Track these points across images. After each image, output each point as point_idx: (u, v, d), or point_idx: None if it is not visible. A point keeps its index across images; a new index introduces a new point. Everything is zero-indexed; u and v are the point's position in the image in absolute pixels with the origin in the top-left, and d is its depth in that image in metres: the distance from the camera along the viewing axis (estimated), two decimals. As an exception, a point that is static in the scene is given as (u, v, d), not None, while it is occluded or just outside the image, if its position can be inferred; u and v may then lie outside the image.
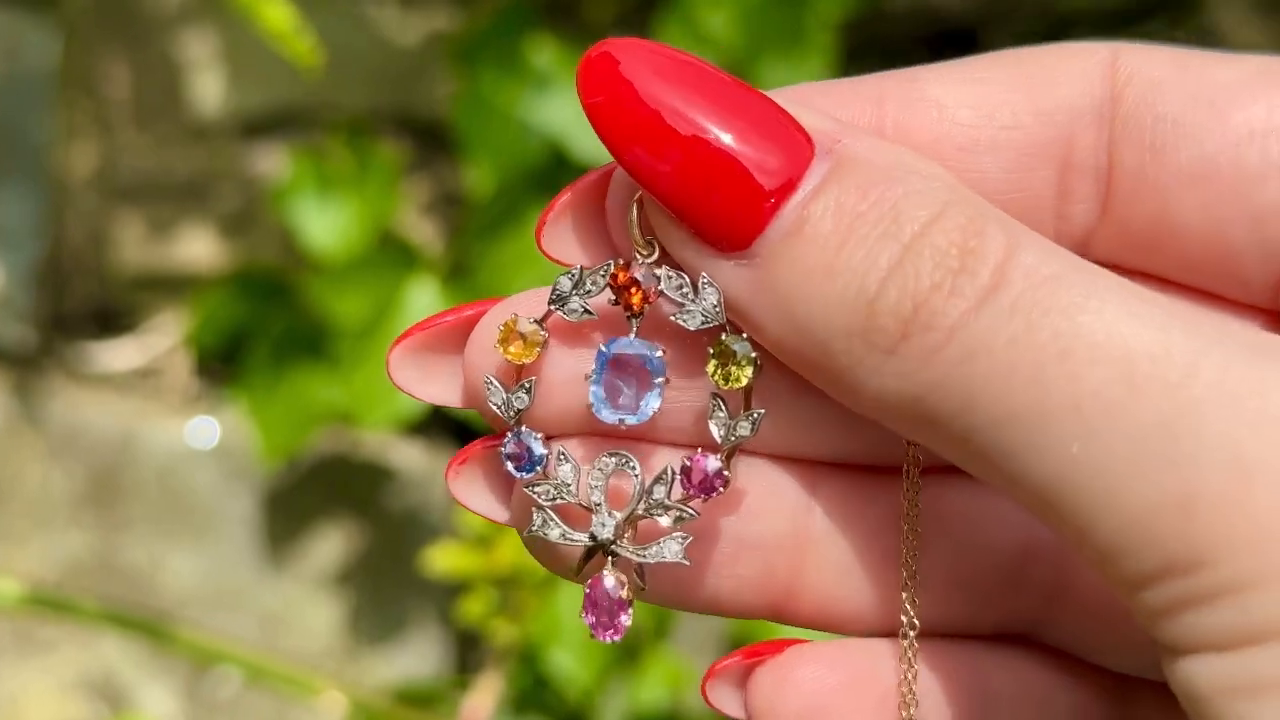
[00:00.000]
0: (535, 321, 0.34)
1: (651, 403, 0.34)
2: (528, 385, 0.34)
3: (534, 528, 0.34)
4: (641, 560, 0.34)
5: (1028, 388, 0.29)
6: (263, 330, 1.04)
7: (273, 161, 1.09)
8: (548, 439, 0.34)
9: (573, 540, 0.34)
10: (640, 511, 0.34)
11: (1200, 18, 1.13)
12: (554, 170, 0.99)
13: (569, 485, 0.34)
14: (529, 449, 0.34)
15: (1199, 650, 0.29)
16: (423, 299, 1.02)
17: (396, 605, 1.13)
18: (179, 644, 0.87)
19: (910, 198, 0.31)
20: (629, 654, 1.04)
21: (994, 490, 0.32)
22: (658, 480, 0.34)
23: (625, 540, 0.34)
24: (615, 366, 0.34)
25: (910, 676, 0.35)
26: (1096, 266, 0.30)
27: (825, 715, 0.35)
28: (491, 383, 0.34)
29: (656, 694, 1.04)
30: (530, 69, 0.99)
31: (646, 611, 1.03)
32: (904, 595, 0.35)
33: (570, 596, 0.98)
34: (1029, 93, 0.35)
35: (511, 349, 0.34)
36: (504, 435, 0.34)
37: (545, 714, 1.03)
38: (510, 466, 0.34)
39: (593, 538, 0.34)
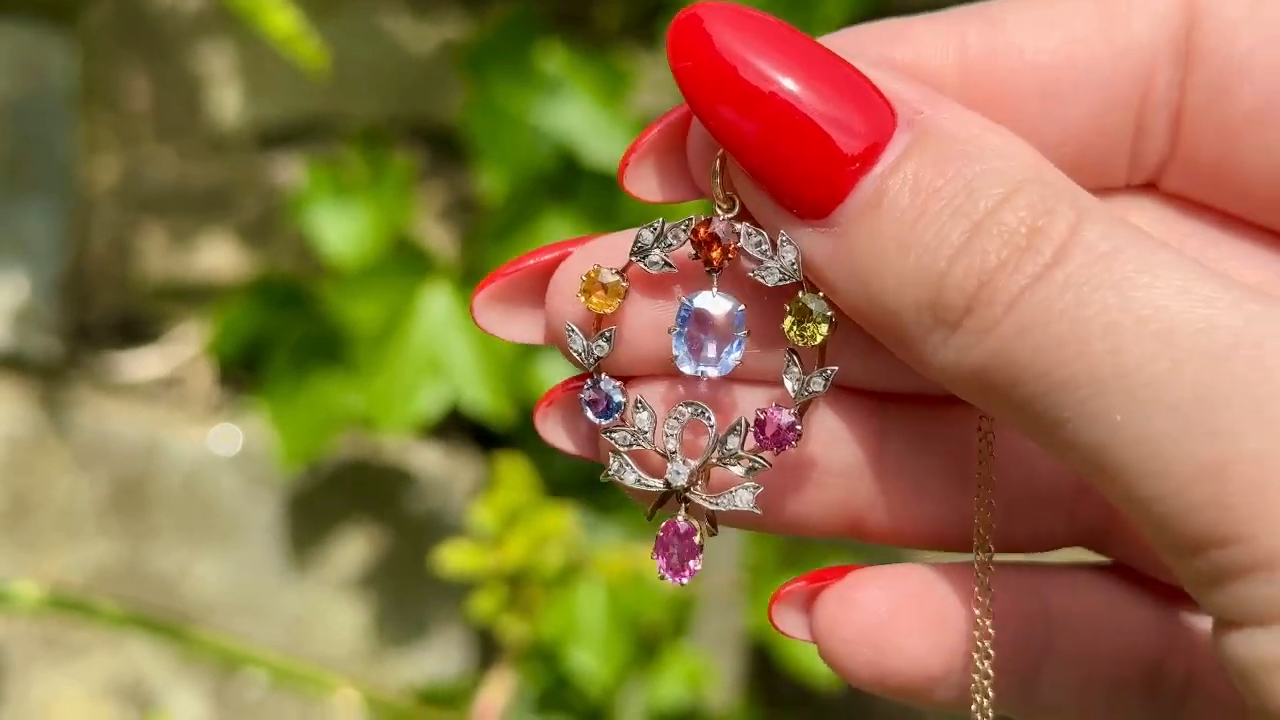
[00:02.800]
0: (616, 273, 0.35)
1: (732, 356, 0.34)
2: (608, 334, 0.35)
3: (611, 472, 0.35)
4: (713, 508, 0.35)
5: (1075, 359, 0.30)
6: (282, 338, 1.05)
7: (290, 171, 1.10)
8: (626, 386, 0.35)
9: (648, 486, 0.35)
10: (714, 461, 0.35)
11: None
12: (565, 175, 1.00)
13: (645, 432, 0.35)
14: (608, 396, 0.35)
15: (1239, 623, 0.29)
16: (438, 304, 1.02)
17: (418, 607, 1.14)
18: (206, 648, 0.88)
19: (985, 175, 0.31)
20: (648, 652, 1.04)
21: None
22: (731, 431, 0.35)
23: (698, 488, 0.35)
24: (695, 320, 0.34)
25: (986, 601, 0.36)
26: (1159, 242, 0.31)
27: (884, 633, 0.36)
28: (573, 330, 0.35)
29: (676, 691, 1.05)
30: (540, 75, 1.00)
31: (665, 609, 1.03)
32: (976, 520, 0.36)
33: (589, 596, 0.98)
34: (1107, 32, 0.35)
35: (594, 299, 0.35)
36: (585, 378, 0.35)
37: (567, 712, 1.04)
38: (589, 413, 0.35)
39: (667, 485, 0.35)
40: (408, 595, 1.14)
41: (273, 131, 1.11)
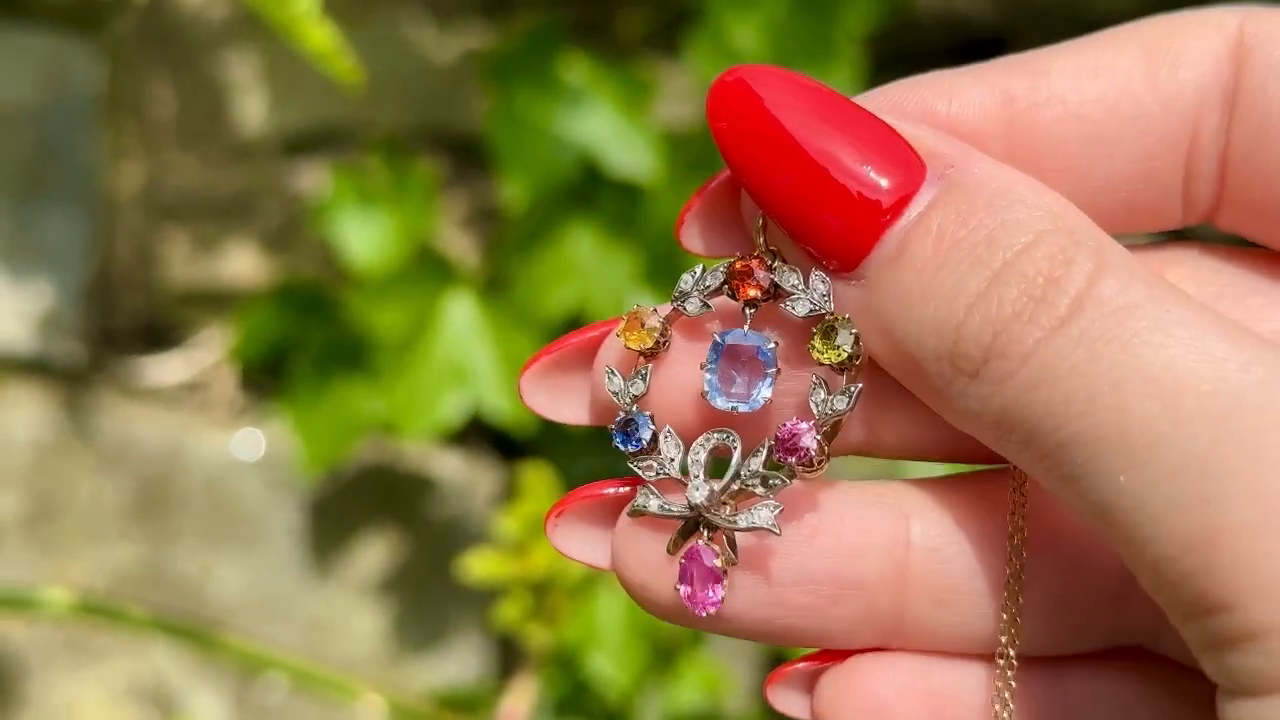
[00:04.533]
0: (658, 314, 0.35)
1: (763, 391, 0.34)
2: (644, 372, 0.35)
3: (637, 503, 0.35)
4: (733, 528, 0.34)
5: (1084, 416, 0.30)
6: (305, 343, 1.05)
7: (313, 178, 1.11)
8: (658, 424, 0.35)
9: (669, 509, 0.35)
10: (736, 486, 0.35)
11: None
12: (587, 185, 1.00)
13: (673, 460, 0.35)
14: (637, 424, 0.35)
15: (1234, 691, 0.29)
16: (460, 312, 1.03)
17: (439, 612, 1.14)
18: (227, 652, 0.88)
19: (1007, 226, 0.31)
20: (666, 658, 1.04)
21: None
22: (754, 453, 0.35)
23: (724, 512, 0.35)
24: (729, 355, 0.35)
25: (1008, 695, 0.35)
26: (1180, 296, 0.30)
27: (884, 717, 0.35)
28: (611, 372, 0.35)
29: (694, 697, 1.05)
30: (563, 85, 1.01)
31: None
32: (1004, 617, 0.35)
33: (609, 602, 0.99)
34: (1153, 80, 0.35)
35: (632, 337, 0.35)
36: (602, 485, 0.36)
37: (586, 718, 1.04)
38: (617, 440, 0.35)
39: (689, 505, 0.34)
40: (428, 600, 1.14)
41: (296, 139, 1.11)
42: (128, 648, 1.12)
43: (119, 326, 1.15)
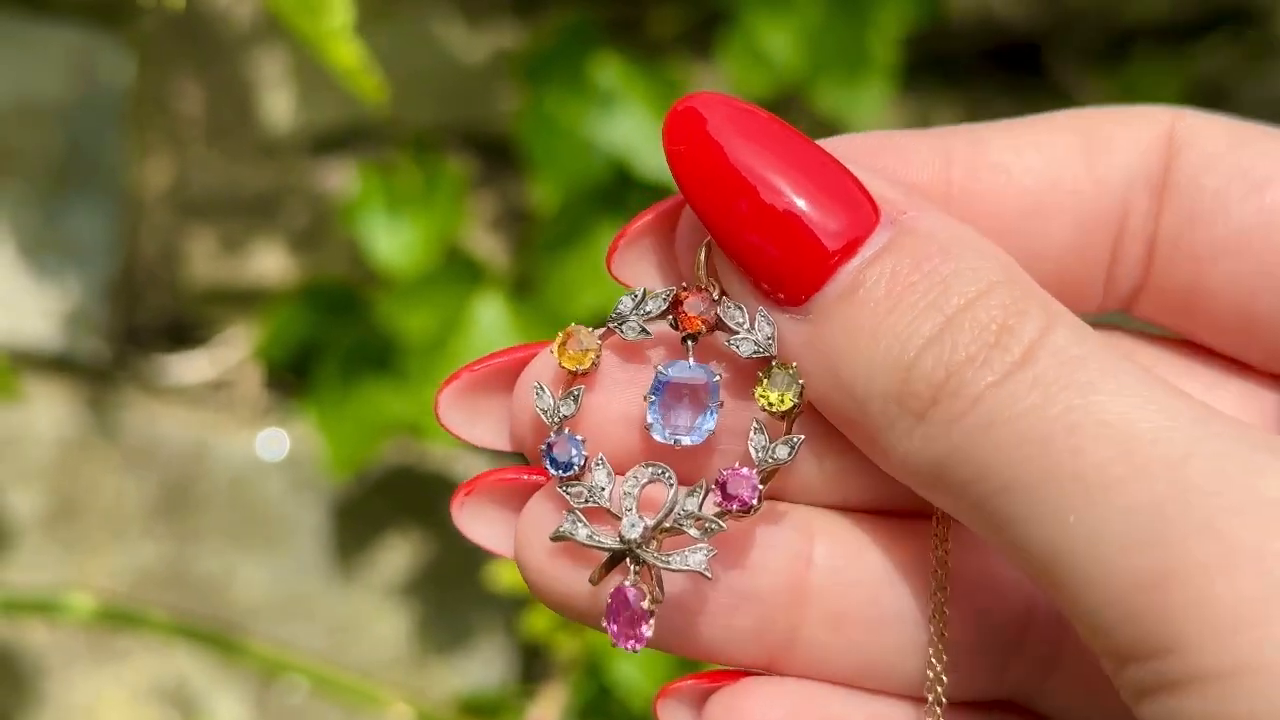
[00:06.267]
0: (594, 335, 0.35)
1: (707, 424, 0.34)
2: (575, 393, 0.35)
3: (562, 528, 0.34)
4: (664, 568, 0.34)
5: (1035, 457, 0.30)
6: (332, 344, 1.05)
7: (341, 177, 1.10)
8: (587, 446, 0.35)
9: (598, 543, 0.34)
10: (669, 524, 0.34)
11: (1265, 29, 1.12)
12: (618, 187, 1.00)
13: (603, 489, 0.35)
14: (569, 449, 0.34)
15: None
16: (489, 313, 1.02)
17: (462, 615, 1.14)
18: (248, 654, 0.88)
19: (961, 274, 0.32)
20: (691, 666, 1.04)
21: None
22: (690, 493, 0.34)
23: (652, 548, 0.34)
24: (671, 389, 0.34)
25: None
26: (1123, 353, 0.31)
27: None
28: (541, 389, 0.35)
29: (719, 705, 1.04)
30: (594, 87, 1.00)
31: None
32: (930, 653, 0.35)
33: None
34: (1089, 160, 0.36)
35: (566, 355, 0.35)
36: (514, 471, 0.35)
37: (609, 724, 1.04)
38: (548, 464, 0.34)
39: (621, 538, 0.34)
40: (451, 603, 1.14)
41: (324, 137, 1.11)
42: (149, 648, 1.12)
43: (144, 324, 1.15)
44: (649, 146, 1.00)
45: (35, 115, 1.09)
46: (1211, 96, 1.12)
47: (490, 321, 1.02)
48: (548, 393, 0.35)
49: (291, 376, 1.13)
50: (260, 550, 1.13)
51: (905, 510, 0.36)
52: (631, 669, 0.99)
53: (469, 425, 0.37)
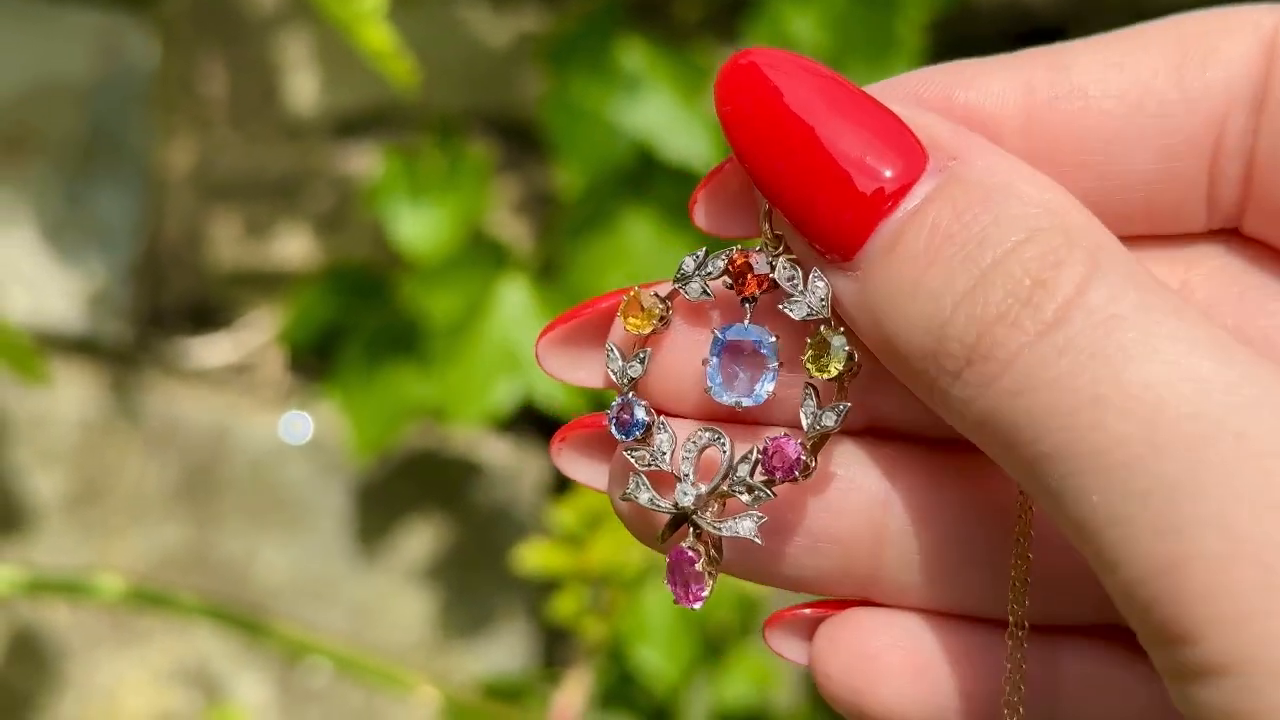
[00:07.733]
0: (658, 297, 0.35)
1: (765, 386, 0.34)
2: (642, 356, 0.35)
3: (627, 490, 0.35)
4: (716, 533, 0.34)
5: (1061, 430, 0.29)
6: (355, 327, 1.05)
7: (365, 161, 1.10)
8: (654, 409, 0.35)
9: (658, 506, 0.35)
10: (724, 488, 0.35)
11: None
12: (643, 171, 1.00)
13: (665, 454, 0.35)
14: (635, 414, 0.35)
15: None
16: (513, 297, 1.02)
17: (485, 599, 1.14)
18: (271, 637, 0.88)
19: (1000, 222, 0.31)
20: (714, 650, 1.04)
21: None
22: (744, 459, 0.34)
23: (707, 513, 0.35)
24: (729, 350, 0.35)
25: (1018, 676, 0.35)
26: (1175, 306, 0.29)
27: (866, 673, 0.35)
28: (612, 350, 0.36)
29: (742, 690, 1.04)
30: (619, 70, 1.00)
31: (732, 609, 1.03)
32: (1010, 595, 0.35)
33: (658, 593, 0.98)
34: (1179, 78, 0.34)
35: (630, 320, 0.35)
36: (602, 417, 0.36)
37: (632, 709, 1.04)
38: (614, 429, 0.35)
39: (675, 505, 0.35)
40: (474, 587, 1.14)
41: (348, 120, 1.11)
42: (171, 630, 1.12)
43: (167, 306, 1.15)
44: (673, 130, 1.00)
45: (60, 97, 1.09)
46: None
47: (514, 305, 1.02)
48: (617, 354, 0.36)
49: (315, 360, 1.13)
50: (282, 533, 1.13)
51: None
52: (654, 654, 0.99)
53: (571, 369, 0.37)
